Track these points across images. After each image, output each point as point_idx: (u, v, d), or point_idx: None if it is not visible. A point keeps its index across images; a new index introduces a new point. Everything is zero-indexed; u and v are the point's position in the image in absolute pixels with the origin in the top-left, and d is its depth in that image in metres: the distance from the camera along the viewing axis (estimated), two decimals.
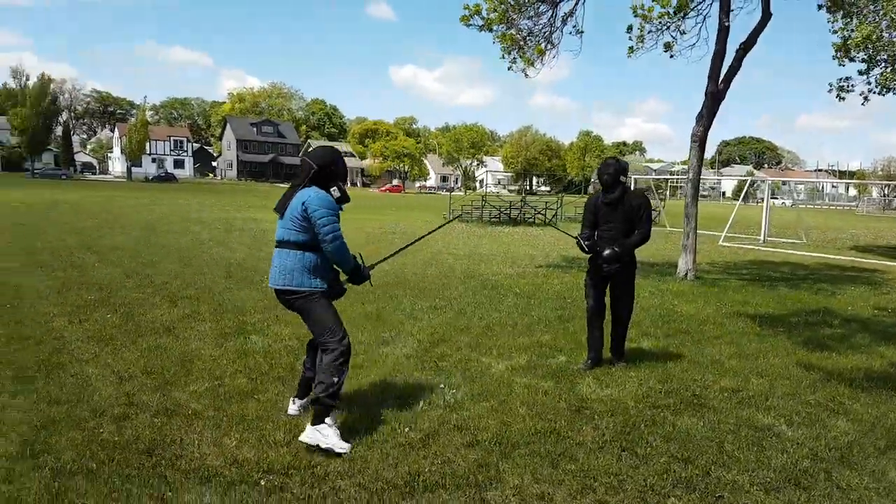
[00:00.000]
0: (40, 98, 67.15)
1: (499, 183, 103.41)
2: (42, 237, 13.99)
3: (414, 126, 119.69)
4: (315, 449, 3.61)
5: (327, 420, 3.68)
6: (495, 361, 5.70)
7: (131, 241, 13.83)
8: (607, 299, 5.63)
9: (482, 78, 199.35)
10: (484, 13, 10.66)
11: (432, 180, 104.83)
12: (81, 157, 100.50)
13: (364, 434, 3.93)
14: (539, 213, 26.02)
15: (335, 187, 3.87)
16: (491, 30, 10.82)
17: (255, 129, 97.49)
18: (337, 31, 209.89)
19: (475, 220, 25.55)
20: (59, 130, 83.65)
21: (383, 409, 4.33)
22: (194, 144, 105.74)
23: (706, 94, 10.96)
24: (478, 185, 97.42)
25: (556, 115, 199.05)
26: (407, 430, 4.02)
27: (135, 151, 75.02)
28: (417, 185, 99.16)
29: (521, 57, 11.01)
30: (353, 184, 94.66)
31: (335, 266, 3.90)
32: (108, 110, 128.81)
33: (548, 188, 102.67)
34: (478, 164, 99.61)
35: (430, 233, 5.61)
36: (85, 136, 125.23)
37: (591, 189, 50.04)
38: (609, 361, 5.63)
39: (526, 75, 10.95)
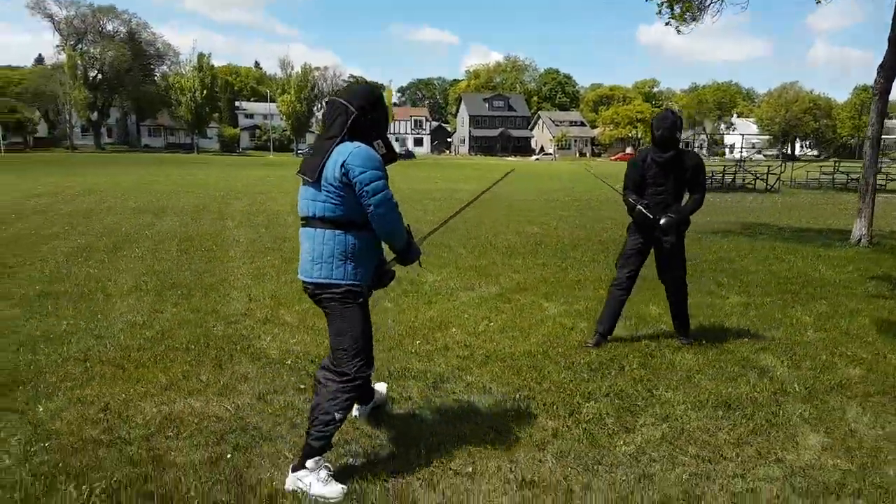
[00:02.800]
0: (303, 86, 78.31)
1: (752, 147, 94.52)
2: None
3: (655, 90, 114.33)
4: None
5: (309, 463, 2.98)
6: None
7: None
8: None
9: (741, 30, 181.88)
10: None
11: None
12: None
13: None
14: (759, 177, 24.17)
15: (378, 141, 3.04)
16: None
17: (486, 104, 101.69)
18: None
19: None
20: (320, 115, 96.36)
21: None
22: (432, 123, 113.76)
23: (889, 41, 9.82)
24: (726, 150, 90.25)
25: (837, 68, 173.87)
26: None
27: None
28: None
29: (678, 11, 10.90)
30: (583, 154, 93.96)
31: (386, 242, 3.08)
32: None
33: (815, 152, 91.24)
34: (727, 127, 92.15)
35: (483, 192, 4.62)
36: None
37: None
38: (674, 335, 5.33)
39: (678, 31, 10.84)
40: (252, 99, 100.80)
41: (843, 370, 4.70)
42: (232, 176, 30.77)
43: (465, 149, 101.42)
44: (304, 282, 3.10)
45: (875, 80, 10.13)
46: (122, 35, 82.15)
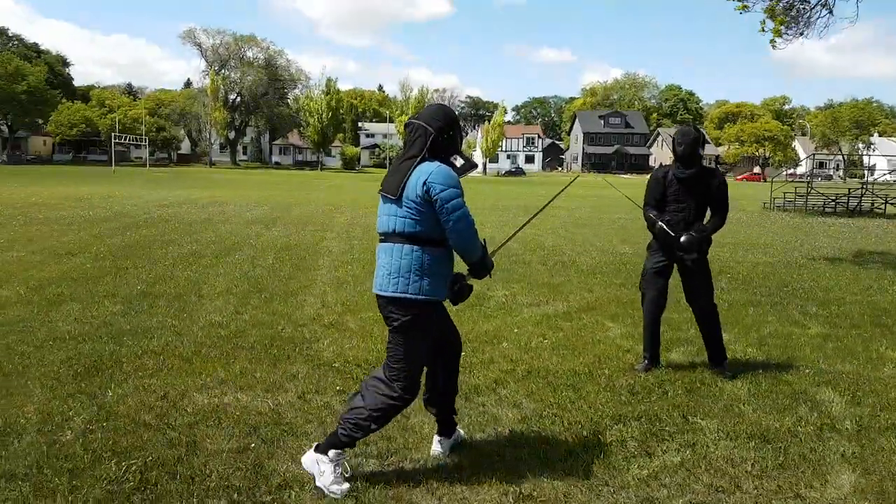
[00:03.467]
0: (420, 107, 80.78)
1: None
2: None
3: (786, 107, 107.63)
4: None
5: (331, 454, 3.08)
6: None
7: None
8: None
9: (883, 46, 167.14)
10: None
11: (803, 167, 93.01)
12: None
13: None
14: (889, 201, 22.13)
15: (455, 156, 3.19)
16: (746, 8, 10.40)
17: (602, 121, 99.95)
18: (706, 13, 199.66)
19: (796, 210, 23.09)
20: None
21: None
22: (545, 140, 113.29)
23: None
24: (866, 172, 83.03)
25: None
26: None
27: (490, 150, 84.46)
28: (784, 172, 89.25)
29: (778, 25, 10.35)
30: None
31: (462, 257, 3.15)
32: (479, 113, 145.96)
33: None
34: (866, 147, 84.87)
35: (546, 204, 4.85)
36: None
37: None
38: (708, 365, 5.03)
39: (773, 46, 10.24)
40: (374, 120, 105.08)
41: None
42: (345, 189, 32.21)
43: (577, 166, 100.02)
44: (378, 295, 3.15)
45: None
46: (260, 61, 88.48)
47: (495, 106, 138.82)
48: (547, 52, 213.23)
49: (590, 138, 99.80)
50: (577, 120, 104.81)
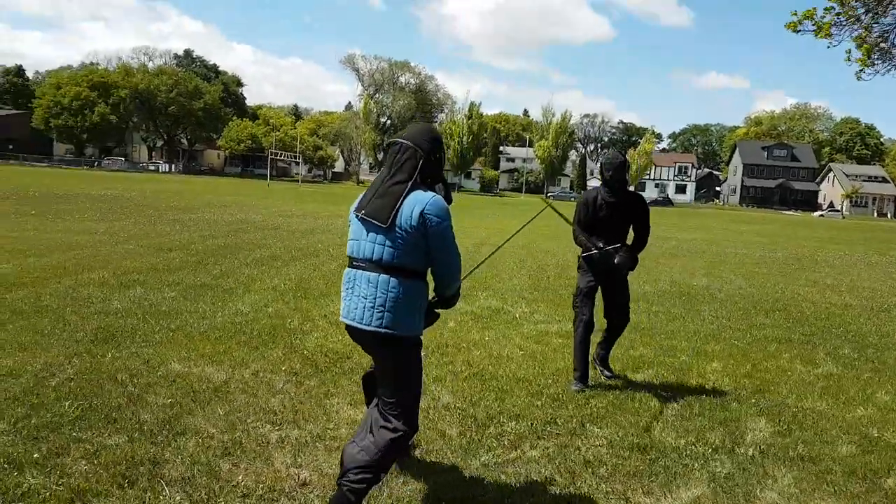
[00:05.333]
0: (561, 132, 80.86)
1: None
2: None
3: None
4: None
5: None
6: None
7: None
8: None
9: None
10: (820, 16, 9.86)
11: None
12: (595, 183, 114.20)
13: None
14: None
15: (439, 185, 3.05)
16: (829, 35, 9.91)
17: (765, 152, 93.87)
18: None
19: None
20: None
21: None
22: (700, 170, 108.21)
23: None
24: None
25: None
26: None
27: (634, 176, 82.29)
28: None
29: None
30: (883, 213, 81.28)
31: (443, 289, 3.08)
32: (631, 139, 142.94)
33: None
34: None
35: (521, 228, 5.34)
36: None
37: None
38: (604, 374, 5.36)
39: (858, 78, 9.56)
40: (516, 144, 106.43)
41: (831, 448, 4.12)
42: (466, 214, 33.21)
43: (735, 199, 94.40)
44: (355, 328, 2.95)
45: None
46: (411, 86, 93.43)
47: (650, 131, 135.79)
48: (714, 78, 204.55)
49: (750, 170, 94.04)
50: (737, 150, 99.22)
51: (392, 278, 2.86)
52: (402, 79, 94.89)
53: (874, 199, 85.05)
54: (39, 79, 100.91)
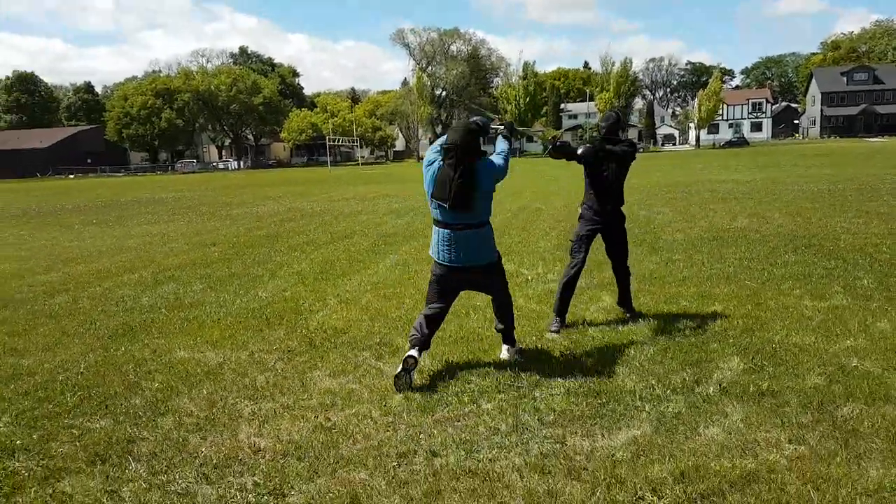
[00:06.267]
0: (622, 81, 78.33)
1: None
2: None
3: None
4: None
5: (511, 346, 4.83)
6: None
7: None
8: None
9: None
10: None
11: None
12: (664, 130, 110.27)
13: None
14: None
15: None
16: None
17: (844, 78, 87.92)
18: None
19: None
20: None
21: None
22: (776, 105, 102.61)
23: None
24: None
25: None
26: None
27: (703, 119, 78.94)
28: None
29: None
30: None
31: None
32: (701, 79, 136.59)
33: None
34: None
35: None
36: (679, 109, 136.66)
37: None
38: (624, 319, 5.67)
39: None
40: (578, 99, 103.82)
41: (798, 382, 4.04)
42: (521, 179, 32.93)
43: (815, 130, 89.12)
44: (472, 267, 4.51)
45: None
46: (463, 54, 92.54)
47: (724, 70, 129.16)
48: (786, 2, 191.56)
49: (829, 99, 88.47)
50: (813, 79, 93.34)
51: (483, 229, 4.47)
52: (453, 47, 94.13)
53: None
54: (108, 92, 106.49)
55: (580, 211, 5.72)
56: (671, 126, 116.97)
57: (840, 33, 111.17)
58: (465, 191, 4.25)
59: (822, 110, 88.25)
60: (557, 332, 5.37)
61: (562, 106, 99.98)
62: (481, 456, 3.35)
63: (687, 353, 4.69)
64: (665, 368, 4.43)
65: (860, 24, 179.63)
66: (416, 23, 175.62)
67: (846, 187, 17.33)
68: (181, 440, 3.77)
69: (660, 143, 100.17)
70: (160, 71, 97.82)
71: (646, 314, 5.78)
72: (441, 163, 4.37)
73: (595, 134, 5.64)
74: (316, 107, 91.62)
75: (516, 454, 3.35)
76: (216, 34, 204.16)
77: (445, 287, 4.62)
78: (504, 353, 4.80)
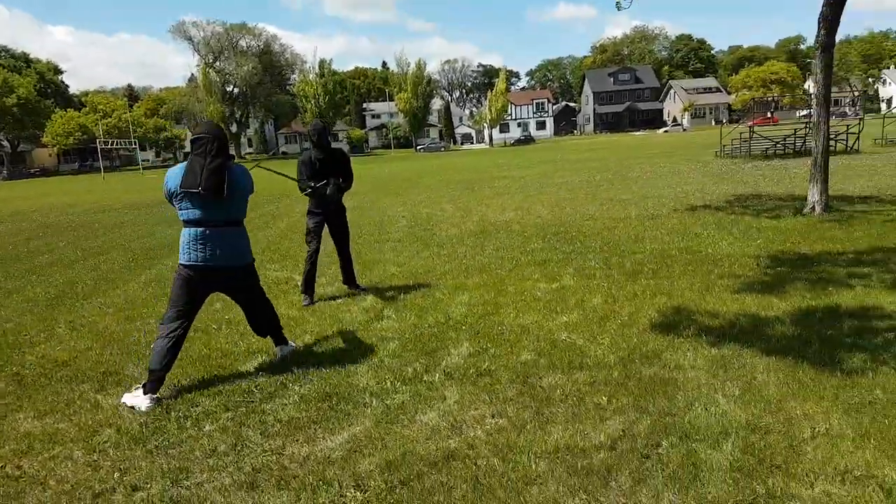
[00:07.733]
0: (418, 82, 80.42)
1: None
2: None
3: (802, 46, 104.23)
4: None
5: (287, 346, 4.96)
6: None
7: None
8: None
9: None
10: None
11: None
12: (463, 130, 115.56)
13: None
14: (838, 137, 21.98)
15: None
16: None
17: (611, 78, 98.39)
18: None
19: (741, 156, 23.53)
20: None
21: None
22: (556, 105, 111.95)
23: None
24: (883, 105, 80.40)
25: None
26: None
27: (494, 119, 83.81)
28: (799, 114, 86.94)
29: None
30: (719, 121, 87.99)
31: None
32: (491, 81, 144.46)
33: None
34: (874, 81, 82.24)
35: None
36: (475, 109, 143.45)
37: None
38: (349, 294, 6.72)
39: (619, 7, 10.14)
40: (379, 99, 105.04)
41: (511, 359, 4.45)
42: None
43: (590, 127, 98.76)
44: (222, 267, 4.29)
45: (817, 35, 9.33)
46: (254, 49, 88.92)
47: (511, 73, 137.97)
48: (563, 8, 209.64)
49: (600, 98, 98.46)
50: (586, 79, 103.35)
51: (240, 229, 4.37)
52: (242, 42, 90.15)
53: (710, 109, 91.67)
54: None
55: (308, 208, 6.60)
56: (468, 126, 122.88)
57: (606, 38, 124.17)
58: (219, 175, 4.06)
59: (594, 108, 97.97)
60: (311, 303, 6.41)
61: (364, 105, 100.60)
62: (189, 482, 3.20)
63: (425, 344, 4.91)
64: (402, 361, 4.58)
65: (622, 29, 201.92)
66: (206, 16, 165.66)
67: (603, 178, 19.38)
68: None
69: (459, 142, 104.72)
70: None
71: (403, 308, 5.97)
72: (190, 157, 4.20)
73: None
74: (85, 106, 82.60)
75: (227, 474, 3.24)
76: None
77: (194, 294, 4.29)
78: (280, 353, 4.88)
